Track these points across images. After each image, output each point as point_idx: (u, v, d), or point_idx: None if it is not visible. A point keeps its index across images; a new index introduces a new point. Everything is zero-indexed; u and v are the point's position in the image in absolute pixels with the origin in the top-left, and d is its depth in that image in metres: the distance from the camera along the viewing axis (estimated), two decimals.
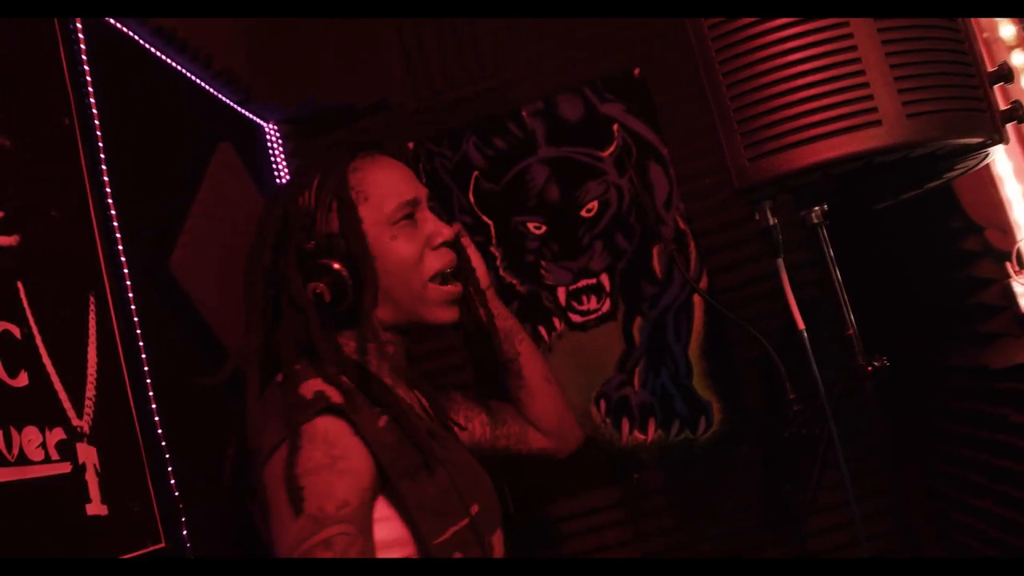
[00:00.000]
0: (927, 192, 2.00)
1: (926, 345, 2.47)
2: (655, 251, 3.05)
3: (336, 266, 1.51)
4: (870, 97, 1.54)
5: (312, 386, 1.42)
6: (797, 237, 2.07)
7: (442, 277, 1.63)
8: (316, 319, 1.50)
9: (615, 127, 3.10)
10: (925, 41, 1.62)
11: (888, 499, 2.48)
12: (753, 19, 1.63)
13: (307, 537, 1.27)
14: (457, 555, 1.42)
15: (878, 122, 1.54)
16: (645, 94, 3.09)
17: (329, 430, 1.35)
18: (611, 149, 3.10)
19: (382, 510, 1.40)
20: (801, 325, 1.82)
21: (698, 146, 3.01)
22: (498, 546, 1.58)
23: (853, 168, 1.61)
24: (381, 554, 1.36)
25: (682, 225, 3.03)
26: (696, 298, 3.03)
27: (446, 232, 1.63)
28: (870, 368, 1.76)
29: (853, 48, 1.55)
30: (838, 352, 1.99)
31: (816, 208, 1.76)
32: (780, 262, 1.82)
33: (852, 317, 1.78)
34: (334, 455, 1.32)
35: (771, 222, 1.78)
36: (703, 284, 3.01)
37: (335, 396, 1.41)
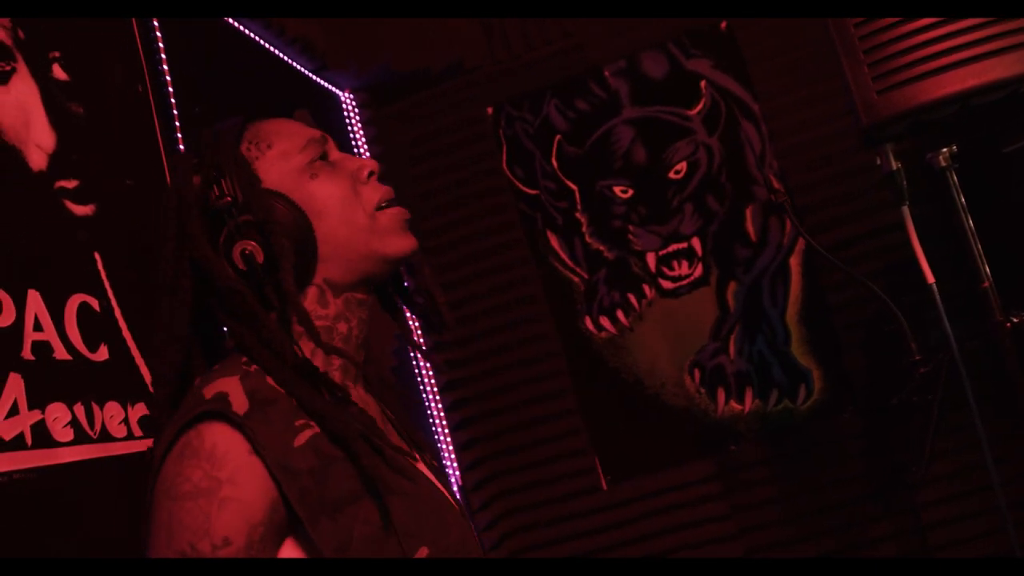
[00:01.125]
0: None
1: None
2: (748, 212, 2.91)
3: (258, 218, 1.20)
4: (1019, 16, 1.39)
5: (220, 385, 1.12)
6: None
7: (388, 203, 1.30)
8: (246, 290, 1.18)
9: (703, 84, 2.96)
10: None
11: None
12: None
13: None
14: None
15: None
16: (733, 48, 2.95)
17: (218, 444, 1.07)
18: (699, 107, 2.96)
19: (290, 552, 1.11)
20: (931, 278, 1.67)
21: (791, 100, 2.86)
22: None
23: (995, 99, 1.45)
24: None
25: (776, 183, 2.88)
26: (793, 261, 2.88)
27: (370, 163, 1.31)
28: (1009, 324, 1.61)
29: None
30: (958, 310, 1.85)
31: (944, 150, 1.60)
32: (905, 210, 1.67)
33: (987, 269, 1.62)
34: (218, 478, 1.05)
35: (894, 167, 1.63)
36: (799, 246, 2.86)
37: (238, 401, 1.11)
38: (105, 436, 1.45)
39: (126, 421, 1.52)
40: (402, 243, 1.27)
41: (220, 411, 1.08)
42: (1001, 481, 1.86)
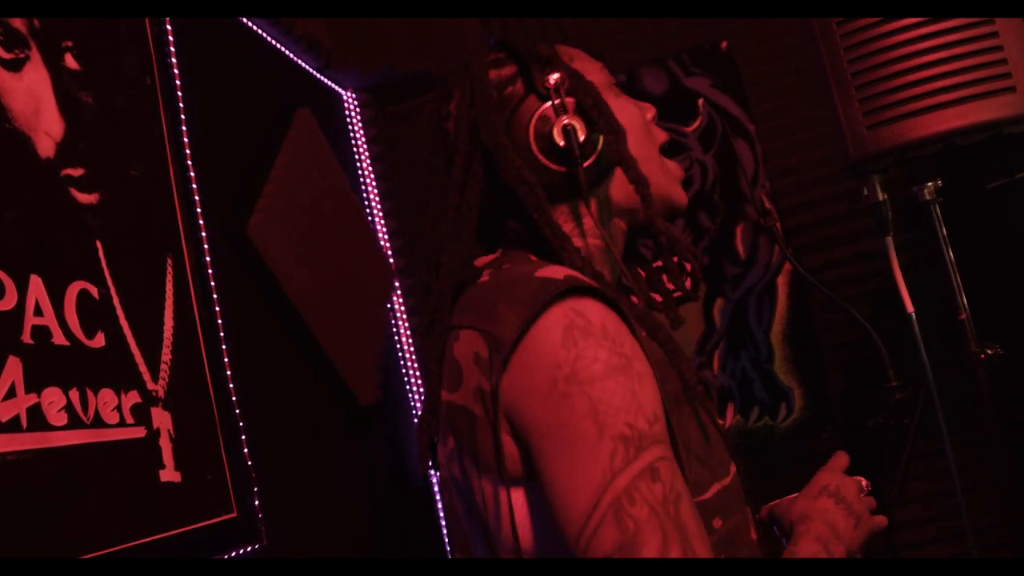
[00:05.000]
0: None
1: None
2: (739, 231, 2.95)
3: (591, 102, 1.14)
4: (1004, 62, 1.43)
5: (559, 271, 1.04)
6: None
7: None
8: (578, 168, 1.12)
9: (700, 102, 3.00)
10: None
11: (992, 494, 2.35)
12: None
13: (623, 467, 0.91)
14: (717, 522, 1.06)
15: (1012, 89, 1.43)
16: (732, 68, 2.98)
17: (606, 321, 0.98)
18: (696, 124, 3.00)
19: None
20: (911, 307, 1.71)
21: (786, 122, 2.91)
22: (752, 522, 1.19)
23: (978, 140, 1.50)
24: None
25: (767, 204, 2.92)
26: (780, 281, 2.92)
27: (651, 106, 1.27)
28: (983, 355, 1.65)
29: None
30: (936, 338, 1.89)
31: (929, 184, 1.65)
32: (889, 240, 1.72)
33: (965, 300, 1.67)
34: (625, 354, 0.96)
35: (880, 197, 1.68)
36: (787, 266, 2.90)
37: (590, 282, 1.03)
38: (98, 422, 1.48)
39: (119, 408, 1.55)
40: (682, 194, 1.26)
41: (589, 287, 1.01)
42: (968, 507, 1.90)
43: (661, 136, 1.27)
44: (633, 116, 1.21)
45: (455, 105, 1.22)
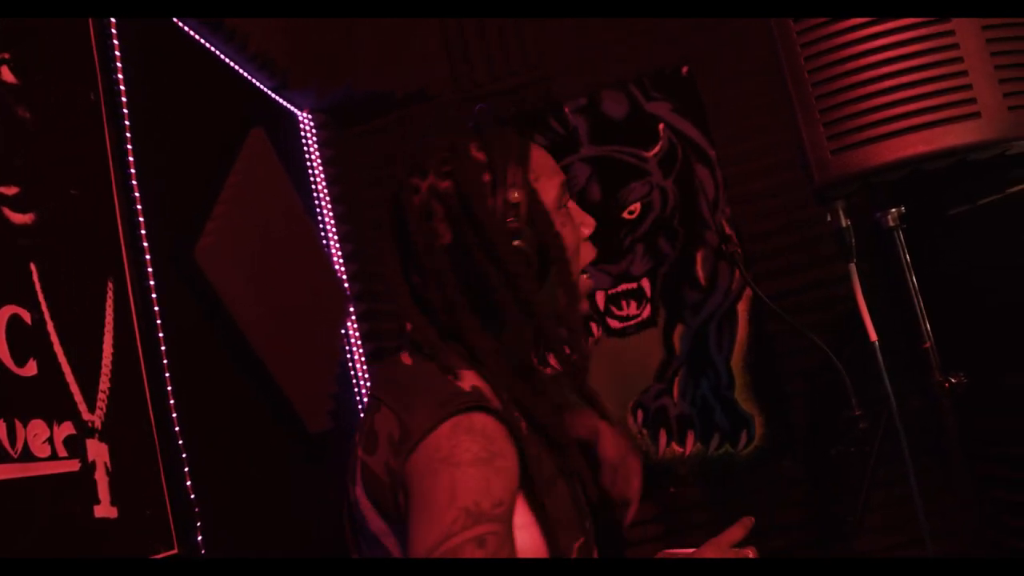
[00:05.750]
0: (1006, 198, 1.86)
1: (1000, 363, 2.32)
2: (699, 256, 2.92)
3: (541, 229, 1.33)
4: (968, 87, 1.41)
5: (470, 379, 1.29)
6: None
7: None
8: (525, 277, 1.31)
9: (661, 126, 2.98)
10: None
11: (956, 522, 2.32)
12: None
13: (459, 531, 1.15)
14: None
15: (976, 114, 1.40)
16: (693, 93, 2.97)
17: (487, 426, 1.23)
18: (656, 149, 2.98)
19: (522, 516, 1.26)
20: (874, 336, 1.68)
21: (747, 148, 2.89)
22: None
23: (944, 165, 1.47)
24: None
25: (728, 229, 2.90)
26: (740, 307, 2.89)
27: (590, 222, 1.45)
28: (947, 384, 1.62)
29: (951, 34, 1.42)
30: (900, 366, 1.87)
31: (893, 210, 1.62)
32: (852, 267, 1.69)
33: (929, 328, 1.64)
34: (492, 451, 1.22)
35: (844, 223, 1.65)
36: (748, 292, 2.87)
37: (492, 397, 1.28)
38: (27, 455, 1.40)
39: (51, 440, 1.46)
40: (584, 307, 1.44)
41: (486, 407, 1.24)
42: (931, 534, 1.87)
43: (590, 255, 1.43)
44: (574, 240, 1.39)
45: (428, 184, 1.35)
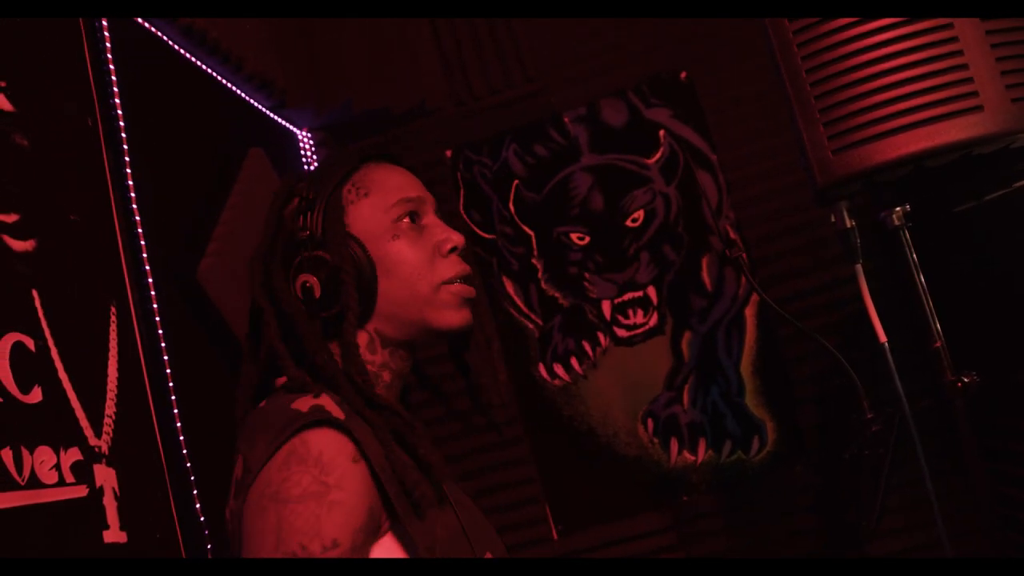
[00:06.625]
0: (1012, 193, 1.85)
1: (1012, 360, 2.30)
2: (704, 262, 2.91)
3: (330, 259, 1.30)
4: (970, 80, 1.40)
5: (310, 401, 1.20)
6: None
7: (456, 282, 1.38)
8: (304, 317, 1.29)
9: (661, 133, 2.97)
10: None
11: (972, 524, 2.30)
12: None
13: None
14: None
15: (979, 108, 1.40)
16: (692, 98, 2.97)
17: (324, 450, 1.13)
18: (657, 156, 2.97)
19: (389, 549, 1.18)
20: (883, 337, 1.67)
21: (749, 151, 2.89)
22: None
23: (948, 160, 1.46)
24: None
25: (732, 234, 2.89)
26: (748, 312, 2.88)
27: (456, 238, 1.38)
28: (960, 384, 1.61)
29: (950, 27, 1.41)
30: (911, 367, 1.85)
31: (898, 209, 1.61)
32: (859, 268, 1.68)
33: (939, 328, 1.63)
34: (326, 482, 1.11)
35: (848, 224, 1.64)
36: (755, 297, 2.86)
37: (335, 410, 1.19)
38: (35, 482, 1.39)
39: (58, 467, 1.45)
40: (452, 318, 1.35)
41: (324, 419, 1.15)
42: (949, 536, 1.86)
43: (451, 270, 1.36)
44: (408, 258, 1.34)
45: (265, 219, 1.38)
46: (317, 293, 1.28)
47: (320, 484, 1.10)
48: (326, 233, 1.31)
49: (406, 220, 1.37)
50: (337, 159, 1.40)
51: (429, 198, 1.43)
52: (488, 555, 1.29)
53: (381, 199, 1.36)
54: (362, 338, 1.33)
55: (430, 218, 1.41)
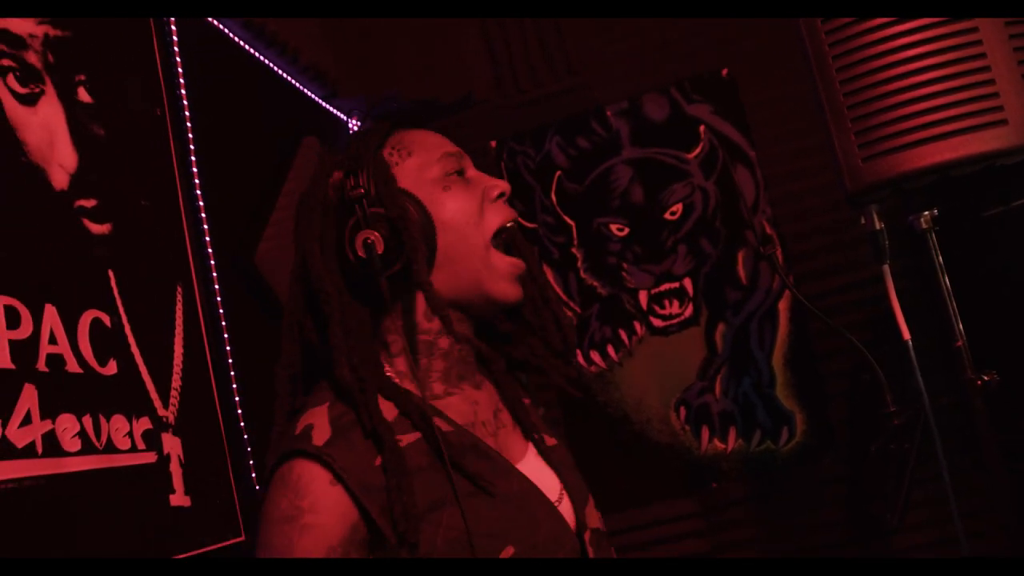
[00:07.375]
0: None
1: None
2: (740, 256, 2.98)
3: (389, 212, 1.25)
4: (996, 95, 1.46)
5: (308, 417, 1.22)
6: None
7: (505, 245, 1.36)
8: (333, 291, 1.24)
9: (702, 128, 3.04)
10: None
11: (990, 522, 2.35)
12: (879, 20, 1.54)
13: None
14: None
15: (1004, 121, 1.46)
16: (733, 95, 3.02)
17: (302, 475, 1.17)
18: (697, 151, 3.04)
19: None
20: (907, 335, 1.74)
21: (787, 149, 2.94)
22: None
23: (972, 171, 1.53)
24: None
25: (768, 229, 2.95)
26: (781, 306, 2.94)
27: (502, 184, 1.37)
28: (980, 382, 1.67)
29: (979, 43, 1.47)
30: (934, 365, 1.90)
31: (926, 213, 1.68)
32: (886, 269, 1.74)
33: (961, 328, 1.69)
34: (300, 506, 1.16)
35: (878, 227, 1.70)
36: (786, 291, 2.92)
37: (321, 432, 1.21)
38: (110, 447, 1.51)
39: (130, 434, 1.57)
40: (507, 289, 1.32)
41: (301, 449, 1.17)
42: (966, 533, 1.92)
43: (499, 216, 1.33)
44: (462, 206, 1.31)
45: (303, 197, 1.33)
46: (380, 248, 1.23)
47: (295, 508, 1.16)
48: (379, 191, 1.26)
49: (454, 173, 1.34)
50: (369, 130, 1.37)
51: (465, 153, 1.40)
52: (509, 550, 1.22)
53: (425, 156, 1.33)
54: (420, 304, 1.29)
55: (472, 171, 1.39)
